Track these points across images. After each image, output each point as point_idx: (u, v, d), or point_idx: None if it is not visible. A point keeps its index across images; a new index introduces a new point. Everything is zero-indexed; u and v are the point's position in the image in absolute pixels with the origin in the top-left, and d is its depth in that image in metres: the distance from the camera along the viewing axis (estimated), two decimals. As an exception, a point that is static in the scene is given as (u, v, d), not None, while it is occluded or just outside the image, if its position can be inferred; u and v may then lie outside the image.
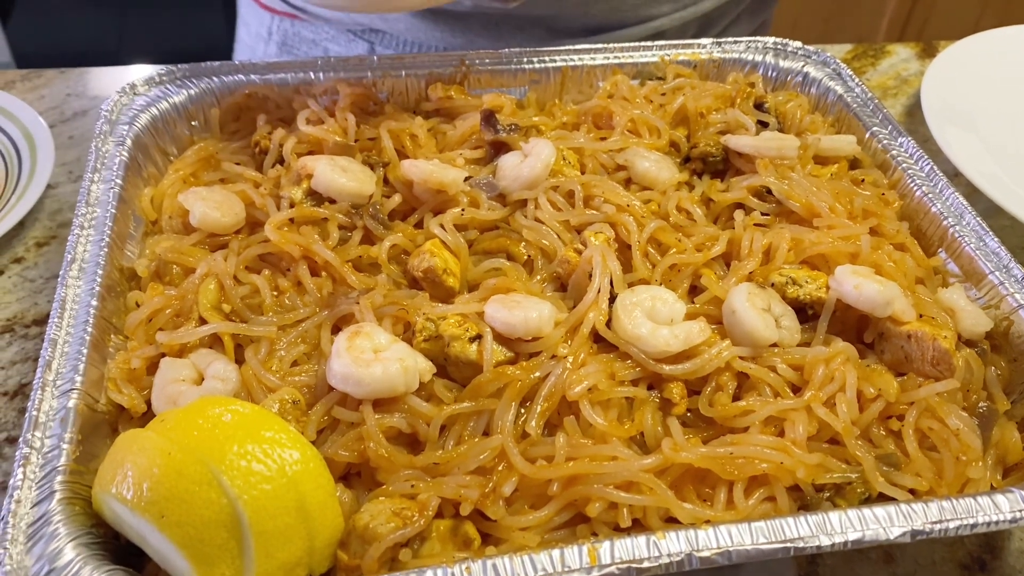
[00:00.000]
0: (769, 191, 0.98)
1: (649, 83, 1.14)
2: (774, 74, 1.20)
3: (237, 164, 1.01)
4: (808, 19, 2.99)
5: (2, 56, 3.23)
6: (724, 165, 1.04)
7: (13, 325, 0.99)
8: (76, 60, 1.48)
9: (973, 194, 1.11)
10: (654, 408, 0.79)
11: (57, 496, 0.68)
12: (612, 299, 0.83)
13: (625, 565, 0.66)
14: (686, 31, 1.36)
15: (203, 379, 0.78)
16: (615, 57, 1.17)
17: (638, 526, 0.73)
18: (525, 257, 0.91)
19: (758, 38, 1.21)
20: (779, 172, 0.99)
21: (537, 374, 0.77)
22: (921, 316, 0.86)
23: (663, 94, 1.11)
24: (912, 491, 0.76)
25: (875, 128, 1.10)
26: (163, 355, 0.81)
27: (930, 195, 1.00)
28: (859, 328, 0.87)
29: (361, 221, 0.92)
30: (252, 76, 1.09)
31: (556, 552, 0.66)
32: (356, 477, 0.76)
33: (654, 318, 0.81)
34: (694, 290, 0.90)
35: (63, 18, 3.51)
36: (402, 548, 0.69)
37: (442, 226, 0.91)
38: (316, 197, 0.93)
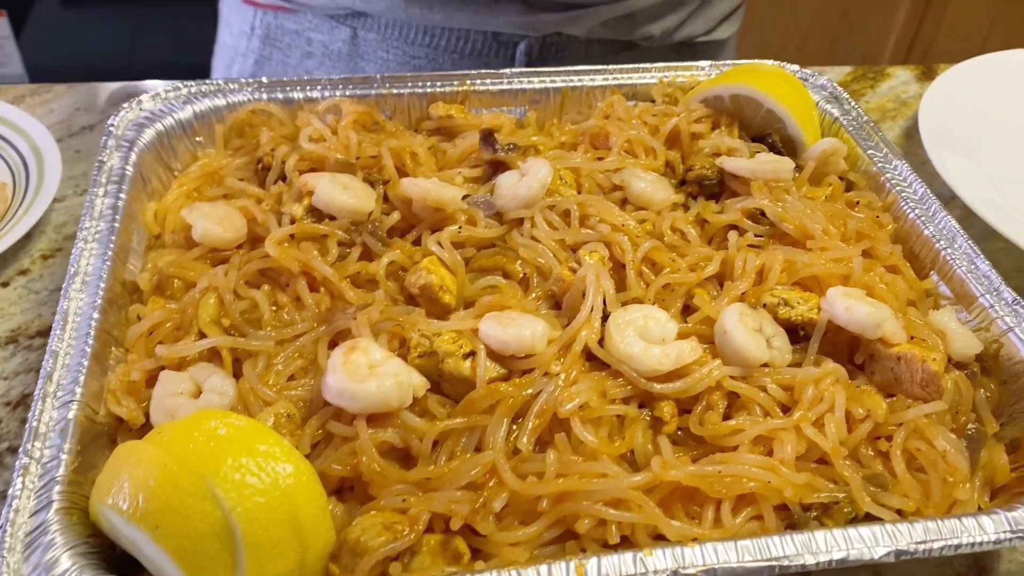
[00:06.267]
0: (763, 213, 0.98)
1: (641, 104, 1.15)
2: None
3: (240, 180, 1.03)
4: (815, 39, 3.00)
5: (15, 69, 3.27)
6: (720, 188, 1.05)
7: (17, 336, 1.00)
8: (88, 74, 1.50)
9: (969, 217, 1.12)
10: (645, 426, 0.80)
11: (55, 506, 0.69)
12: (605, 318, 0.84)
13: (612, 581, 0.67)
14: (662, 10, 1.35)
15: (201, 392, 0.79)
16: (614, 78, 1.18)
17: (626, 543, 0.73)
18: (521, 275, 0.92)
19: (757, 61, 1.23)
20: (774, 194, 1.00)
21: (529, 391, 0.78)
22: (912, 338, 0.86)
23: (654, 115, 1.12)
24: (899, 512, 0.77)
25: (870, 151, 1.11)
26: (162, 368, 0.82)
27: (923, 218, 1.01)
28: (850, 349, 0.88)
29: (360, 238, 0.93)
30: (256, 93, 1.11)
31: (544, 567, 0.67)
32: (349, 491, 0.77)
33: (646, 337, 0.82)
34: (687, 309, 0.91)
35: (75, 33, 3.55)
36: (392, 562, 0.70)
37: (439, 243, 0.92)
38: (317, 214, 0.95)
